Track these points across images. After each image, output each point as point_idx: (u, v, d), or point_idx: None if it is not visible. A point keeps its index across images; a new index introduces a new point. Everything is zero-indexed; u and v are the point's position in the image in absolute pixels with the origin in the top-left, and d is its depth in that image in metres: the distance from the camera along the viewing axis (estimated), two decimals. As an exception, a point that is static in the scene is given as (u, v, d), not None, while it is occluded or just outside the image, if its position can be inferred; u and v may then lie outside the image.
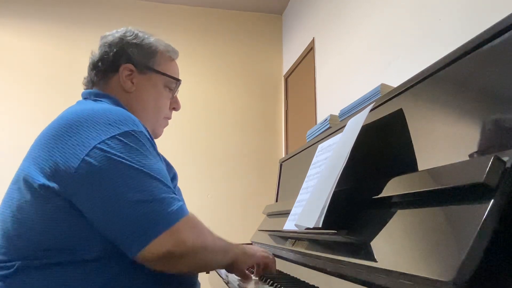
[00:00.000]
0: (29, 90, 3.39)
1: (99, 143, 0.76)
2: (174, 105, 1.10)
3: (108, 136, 0.77)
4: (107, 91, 0.99)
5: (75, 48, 3.51)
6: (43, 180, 0.76)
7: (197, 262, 0.80)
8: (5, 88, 3.37)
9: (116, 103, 0.95)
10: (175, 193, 0.80)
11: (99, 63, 1.00)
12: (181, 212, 0.77)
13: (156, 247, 0.73)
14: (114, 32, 1.04)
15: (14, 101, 3.36)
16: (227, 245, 0.89)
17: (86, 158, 0.75)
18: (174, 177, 0.95)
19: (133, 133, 0.80)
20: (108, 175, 0.74)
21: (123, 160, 0.75)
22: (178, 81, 1.07)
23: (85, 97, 0.98)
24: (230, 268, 0.91)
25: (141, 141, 0.80)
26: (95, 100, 0.95)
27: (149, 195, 0.74)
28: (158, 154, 0.86)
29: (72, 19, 3.59)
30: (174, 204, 0.77)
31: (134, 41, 1.02)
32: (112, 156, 0.75)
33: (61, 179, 0.75)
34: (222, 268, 0.91)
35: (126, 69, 0.99)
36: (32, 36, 3.50)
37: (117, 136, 0.77)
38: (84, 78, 1.04)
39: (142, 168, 0.76)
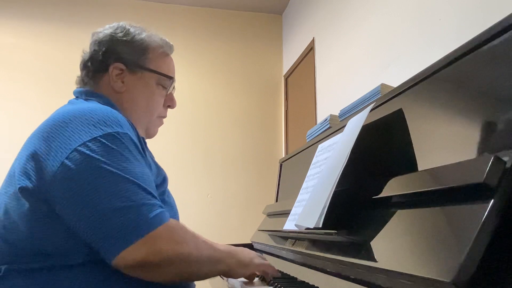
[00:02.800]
0: (29, 90, 3.39)
1: (79, 145, 0.74)
2: (169, 103, 1.06)
3: (89, 138, 0.75)
4: (98, 91, 0.96)
5: (75, 48, 3.49)
6: (26, 183, 0.75)
7: (178, 272, 0.77)
8: (5, 88, 3.37)
9: (107, 102, 0.93)
10: (156, 198, 0.77)
11: (89, 63, 0.97)
12: (159, 219, 0.74)
13: (130, 254, 0.71)
14: (106, 27, 1.00)
15: (14, 101, 3.36)
16: (218, 255, 0.84)
17: (65, 161, 0.73)
18: (164, 181, 0.92)
19: (116, 135, 0.77)
20: (85, 180, 0.72)
21: (102, 164, 0.73)
22: (171, 78, 1.03)
23: (77, 96, 0.96)
24: (226, 276, 0.89)
25: (124, 143, 0.77)
26: (86, 99, 0.92)
27: (126, 201, 0.72)
28: (144, 156, 0.83)
29: (72, 19, 3.59)
30: (152, 211, 0.74)
31: (125, 38, 0.97)
32: (91, 159, 0.73)
33: (41, 182, 0.74)
34: (214, 276, 0.87)
35: (116, 69, 0.96)
36: (32, 36, 3.50)
37: (98, 138, 0.75)
38: (77, 77, 1.01)
39: (121, 173, 0.74)
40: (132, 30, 0.99)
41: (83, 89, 0.97)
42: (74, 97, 0.97)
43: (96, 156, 0.73)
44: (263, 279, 1.04)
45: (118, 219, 0.71)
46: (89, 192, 0.72)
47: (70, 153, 0.74)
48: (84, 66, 0.99)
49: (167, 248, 0.74)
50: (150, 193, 0.76)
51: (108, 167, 0.73)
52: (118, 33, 0.98)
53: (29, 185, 0.75)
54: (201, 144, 3.64)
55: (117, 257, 0.71)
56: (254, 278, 0.98)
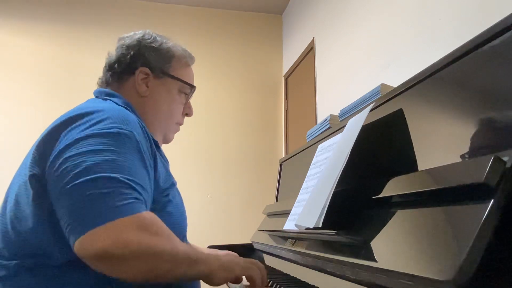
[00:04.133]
0: (28, 90, 3.39)
1: (80, 137, 0.75)
2: (187, 111, 1.11)
3: (90, 131, 0.77)
4: (120, 92, 0.99)
5: (75, 48, 3.51)
6: (35, 170, 0.77)
7: (149, 268, 0.70)
8: (5, 88, 3.37)
9: (125, 103, 0.95)
10: (137, 191, 0.74)
11: (115, 65, 1.01)
12: (129, 209, 0.69)
13: (90, 241, 0.65)
14: (132, 34, 1.04)
15: (14, 101, 3.36)
16: (197, 255, 0.78)
17: (63, 149, 0.74)
18: (172, 186, 0.93)
19: (119, 130, 0.78)
20: (68, 167, 0.72)
21: (89, 153, 0.73)
22: (193, 87, 1.08)
23: (96, 95, 0.99)
24: (206, 281, 0.82)
25: (123, 139, 0.78)
26: (104, 99, 0.95)
27: (97, 189, 0.69)
28: (144, 158, 0.81)
29: (72, 19, 3.59)
30: (122, 200, 0.69)
31: (152, 44, 1.02)
32: (81, 148, 0.74)
33: (44, 170, 0.76)
34: (194, 279, 0.82)
35: (142, 73, 1.00)
36: (32, 36, 3.50)
37: (99, 132, 0.77)
38: (99, 79, 1.05)
39: (105, 163, 0.72)
40: (159, 38, 1.04)
41: (103, 90, 0.99)
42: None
43: (87, 145, 0.74)
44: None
45: (84, 205, 0.68)
46: (67, 180, 0.71)
47: (69, 142, 0.75)
48: (110, 67, 1.02)
49: (134, 240, 0.67)
50: (130, 185, 0.73)
51: (95, 156, 0.72)
52: (146, 39, 1.02)
53: (38, 171, 0.76)
54: (201, 144, 3.64)
55: (78, 242, 0.67)
56: (239, 282, 0.88)
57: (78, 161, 0.72)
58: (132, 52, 1.00)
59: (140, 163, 0.80)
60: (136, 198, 0.73)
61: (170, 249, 0.73)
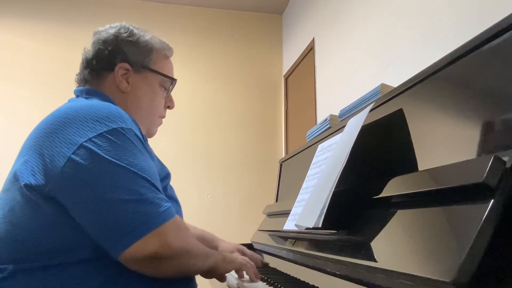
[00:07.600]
0: (27, 90, 3.39)
1: (85, 141, 0.74)
2: (169, 104, 1.08)
3: (95, 134, 0.76)
4: (101, 89, 0.96)
5: (74, 48, 3.49)
6: (30, 180, 0.75)
7: (180, 266, 0.78)
8: (4, 87, 3.36)
9: (108, 100, 0.93)
10: (162, 193, 0.79)
11: (94, 61, 0.97)
12: (168, 214, 0.76)
13: (141, 248, 0.71)
14: (108, 27, 1.01)
15: (13, 100, 3.36)
16: (207, 251, 0.87)
17: (73, 156, 0.73)
18: (167, 176, 0.94)
19: (121, 130, 0.78)
20: (94, 174, 0.73)
21: (110, 159, 0.74)
22: (173, 80, 1.06)
23: (77, 95, 0.96)
24: (209, 274, 0.88)
25: (129, 138, 0.78)
26: (86, 98, 0.92)
27: (136, 195, 0.73)
28: (148, 151, 0.85)
29: (71, 18, 3.59)
30: (162, 205, 0.75)
31: (130, 38, 0.99)
32: (99, 154, 0.73)
33: (48, 178, 0.74)
34: (202, 272, 0.87)
35: (122, 68, 0.97)
36: (32, 36, 3.49)
37: (104, 134, 0.76)
38: (77, 75, 1.01)
39: (129, 167, 0.75)
40: (136, 31, 1.01)
41: (84, 88, 0.97)
42: (73, 96, 0.98)
43: (103, 151, 0.74)
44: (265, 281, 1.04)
45: (129, 211, 0.72)
46: (99, 186, 0.72)
47: (77, 149, 0.74)
48: (88, 64, 0.98)
49: (175, 242, 0.75)
50: (157, 188, 0.78)
51: (117, 162, 0.74)
52: (122, 33, 0.99)
53: (33, 182, 0.75)
54: (201, 144, 3.64)
55: (127, 251, 0.71)
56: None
57: (101, 169, 0.73)
58: (110, 48, 0.97)
59: (150, 158, 0.83)
60: (167, 201, 0.78)
61: (195, 246, 0.82)
